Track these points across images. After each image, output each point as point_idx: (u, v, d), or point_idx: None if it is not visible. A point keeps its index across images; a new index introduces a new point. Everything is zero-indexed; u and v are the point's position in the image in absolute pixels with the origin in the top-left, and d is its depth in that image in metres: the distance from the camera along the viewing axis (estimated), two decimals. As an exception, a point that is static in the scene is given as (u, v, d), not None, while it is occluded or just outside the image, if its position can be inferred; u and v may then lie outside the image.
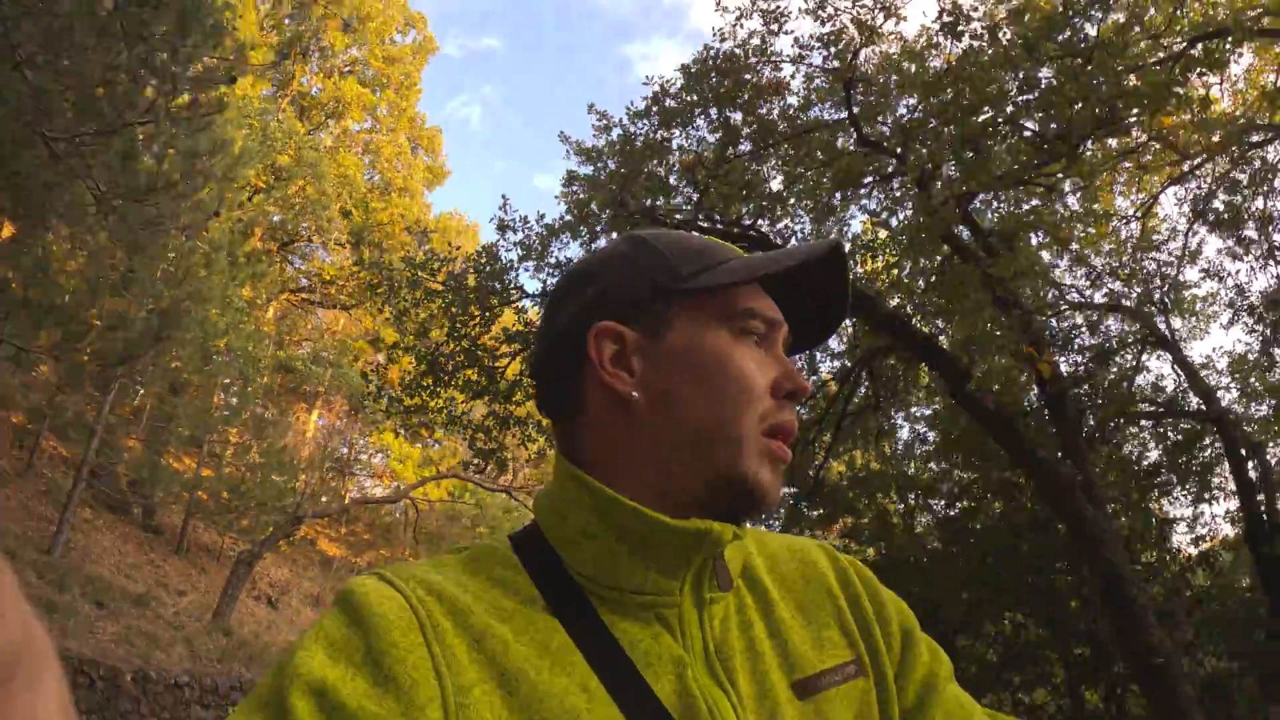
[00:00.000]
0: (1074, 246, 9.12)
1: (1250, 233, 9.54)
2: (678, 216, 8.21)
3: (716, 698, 0.61)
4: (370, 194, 21.38)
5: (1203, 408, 9.32)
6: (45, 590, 10.98)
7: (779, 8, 8.11)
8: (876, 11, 7.88)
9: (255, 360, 15.58)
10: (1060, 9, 7.33)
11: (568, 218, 8.56)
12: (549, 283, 8.47)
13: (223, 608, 14.46)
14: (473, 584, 0.63)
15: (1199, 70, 7.18)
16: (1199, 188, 9.72)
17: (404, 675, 0.54)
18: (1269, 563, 8.36)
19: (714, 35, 8.69)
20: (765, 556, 0.75)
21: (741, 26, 8.31)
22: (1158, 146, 9.07)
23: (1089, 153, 7.86)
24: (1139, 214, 10.05)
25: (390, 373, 10.57)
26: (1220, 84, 9.14)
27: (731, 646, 0.66)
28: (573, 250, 8.57)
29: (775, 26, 8.09)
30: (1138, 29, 7.56)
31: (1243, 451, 8.93)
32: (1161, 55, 7.50)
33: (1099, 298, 9.81)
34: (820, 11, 7.90)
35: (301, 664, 0.54)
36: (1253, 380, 10.17)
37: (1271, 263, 9.52)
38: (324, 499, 21.27)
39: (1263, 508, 8.72)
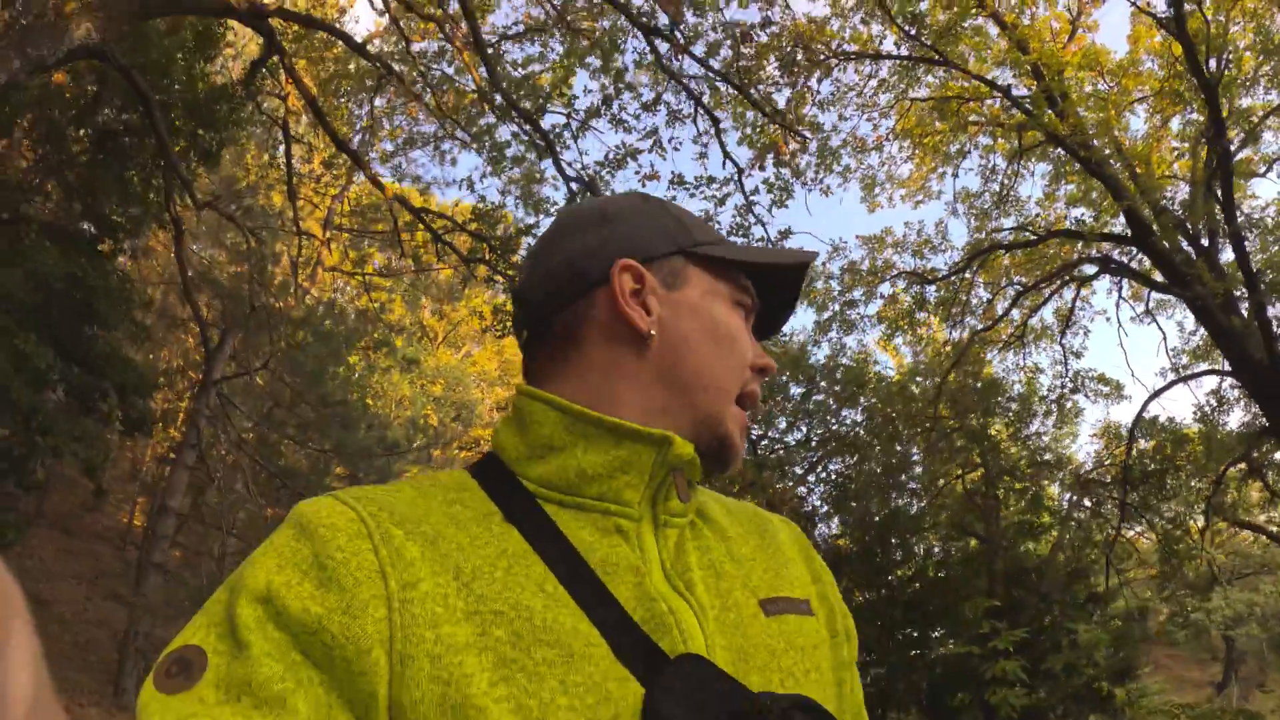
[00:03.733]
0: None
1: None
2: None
3: (676, 604, 0.63)
4: (504, 377, 27.74)
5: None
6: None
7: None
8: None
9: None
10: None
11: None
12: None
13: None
14: (427, 500, 0.64)
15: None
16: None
17: (347, 576, 0.55)
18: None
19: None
20: (724, 507, 0.79)
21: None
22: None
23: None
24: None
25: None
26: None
27: (687, 564, 0.67)
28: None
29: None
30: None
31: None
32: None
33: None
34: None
35: (249, 577, 0.56)
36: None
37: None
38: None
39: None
